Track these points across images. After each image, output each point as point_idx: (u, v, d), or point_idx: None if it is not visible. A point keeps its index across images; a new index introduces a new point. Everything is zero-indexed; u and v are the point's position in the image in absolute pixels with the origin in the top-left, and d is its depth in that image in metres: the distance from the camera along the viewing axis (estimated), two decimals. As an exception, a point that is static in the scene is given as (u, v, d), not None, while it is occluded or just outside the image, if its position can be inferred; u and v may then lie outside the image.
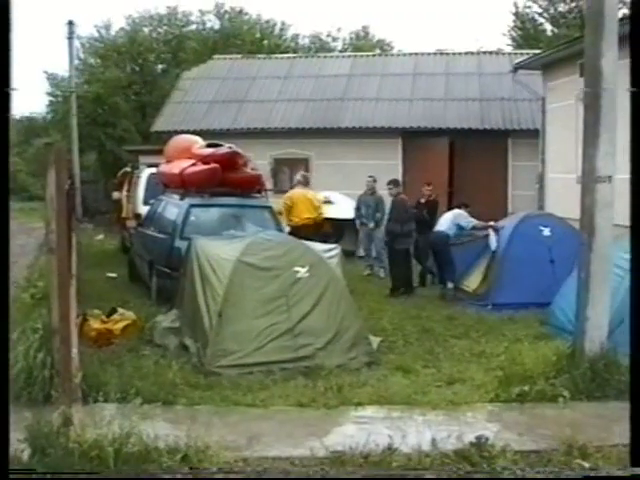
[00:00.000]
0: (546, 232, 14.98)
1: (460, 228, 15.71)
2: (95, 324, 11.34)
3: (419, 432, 7.80)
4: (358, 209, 19.69)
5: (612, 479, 7.00)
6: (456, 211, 16.22)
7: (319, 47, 53.64)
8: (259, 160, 23.49)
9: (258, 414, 8.45)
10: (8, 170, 6.52)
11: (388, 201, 17.81)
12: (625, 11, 43.97)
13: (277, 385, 9.41)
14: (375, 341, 11.32)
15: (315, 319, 10.38)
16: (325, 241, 13.73)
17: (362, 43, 55.88)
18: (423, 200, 18.43)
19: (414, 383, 9.51)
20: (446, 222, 15.97)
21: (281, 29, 53.33)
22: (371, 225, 19.13)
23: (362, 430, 7.88)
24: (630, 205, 6.26)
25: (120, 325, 11.51)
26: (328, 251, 11.59)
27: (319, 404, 8.71)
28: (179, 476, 6.79)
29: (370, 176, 19.92)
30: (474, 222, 15.78)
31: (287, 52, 44.68)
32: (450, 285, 15.66)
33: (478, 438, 7.37)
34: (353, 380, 9.53)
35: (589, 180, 9.38)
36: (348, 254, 18.25)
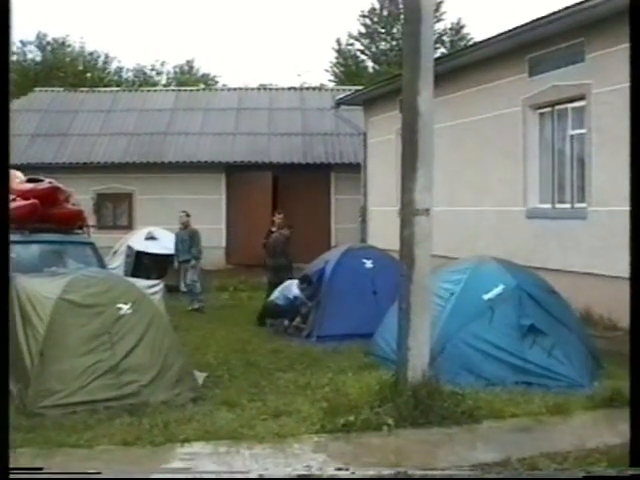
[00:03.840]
0: (368, 264, 15.26)
1: (287, 298, 15.67)
2: None
3: (246, 466, 7.79)
4: (176, 245, 19.76)
5: (612, 479, 7.17)
6: (287, 282, 16.18)
7: (143, 81, 53.29)
8: (81, 195, 22.99)
9: (83, 455, 8.24)
10: (8, 170, 6.36)
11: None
12: (444, 51, 45.65)
13: (102, 424, 9.21)
14: (200, 376, 11.25)
15: (139, 356, 10.24)
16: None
17: (186, 77, 55.87)
18: (274, 229, 18.64)
19: (240, 417, 9.48)
20: (276, 291, 16.13)
21: (105, 62, 52.74)
22: (187, 259, 19.17)
23: (189, 467, 7.81)
24: (630, 205, 6.41)
25: None
26: (151, 287, 11.48)
27: (145, 442, 8.57)
28: (180, 476, 6.62)
29: (183, 211, 20.05)
30: (297, 293, 15.74)
31: (110, 85, 44.27)
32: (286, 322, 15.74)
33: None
34: (179, 416, 9.42)
35: (408, 213, 9.61)
36: (172, 289, 18.15)
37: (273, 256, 17.97)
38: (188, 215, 19.80)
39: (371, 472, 7.27)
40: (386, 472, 7.39)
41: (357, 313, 14.23)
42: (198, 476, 7.13)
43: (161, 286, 11.58)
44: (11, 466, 6.19)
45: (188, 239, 19.38)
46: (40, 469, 6.84)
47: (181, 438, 8.69)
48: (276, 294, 15.94)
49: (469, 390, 9.64)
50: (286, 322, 15.63)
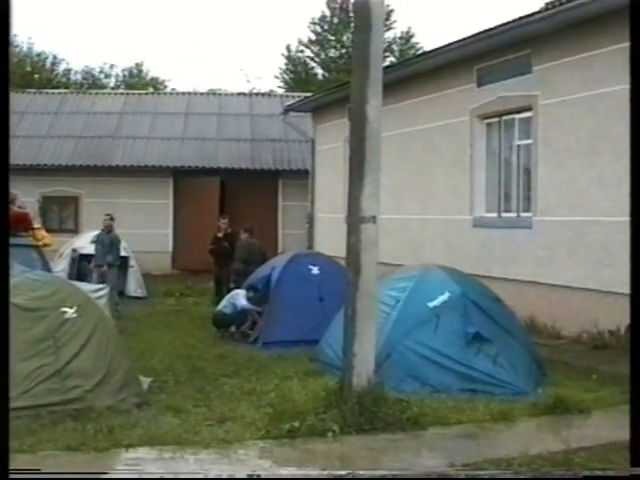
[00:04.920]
0: (315, 270, 15.28)
1: (235, 307, 15.62)
2: None
3: (191, 472, 7.76)
4: (96, 248, 19.30)
5: (612, 479, 7.19)
6: (234, 292, 16.13)
7: (91, 83, 52.85)
8: (27, 198, 22.81)
9: (26, 460, 8.13)
10: (8, 170, 6.35)
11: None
12: (393, 59, 45.88)
13: (45, 429, 9.10)
14: (146, 381, 11.18)
15: (84, 360, 10.14)
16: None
17: (135, 80, 55.50)
18: (221, 234, 18.57)
19: (185, 422, 9.43)
20: (224, 301, 16.08)
21: (53, 63, 52.22)
22: (102, 264, 18.90)
23: (133, 472, 7.77)
24: (630, 205, 6.44)
25: None
26: (97, 291, 11.40)
27: (89, 447, 8.49)
28: (181, 476, 6.61)
29: (107, 214, 19.63)
30: (244, 304, 15.69)
31: (59, 87, 43.79)
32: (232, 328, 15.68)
33: (250, 475, 7.41)
34: (124, 421, 9.35)
35: (355, 220, 9.64)
36: (117, 294, 18.05)
37: (245, 262, 17.64)
38: (112, 219, 19.47)
39: (371, 472, 7.27)
40: (383, 472, 7.39)
41: (303, 319, 14.23)
42: (198, 476, 7.08)
43: (106, 290, 11.54)
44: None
45: (109, 244, 19.07)
46: (39, 470, 6.78)
47: (126, 443, 8.63)
48: (224, 303, 15.88)
49: (414, 397, 9.68)
50: (233, 328, 15.59)
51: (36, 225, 17.32)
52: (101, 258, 18.98)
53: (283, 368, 12.37)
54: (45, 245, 16.31)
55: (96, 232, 20.25)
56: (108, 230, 19.27)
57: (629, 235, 6.25)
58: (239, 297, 15.68)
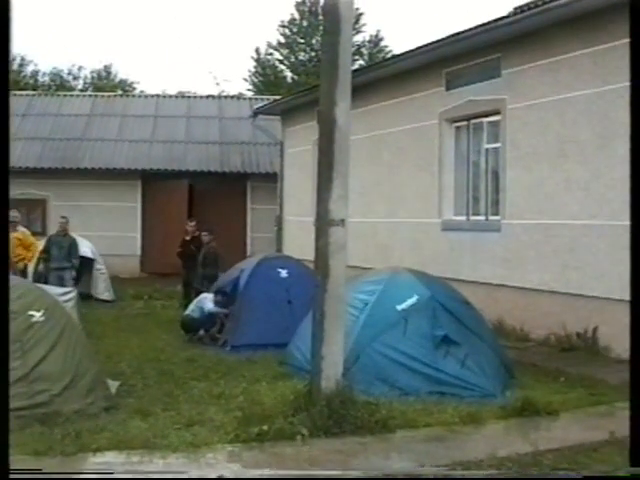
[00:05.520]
0: (284, 274, 15.26)
1: (203, 311, 15.54)
2: None
3: (160, 475, 7.72)
4: (47, 250, 18.91)
5: (612, 479, 7.19)
6: (202, 296, 16.07)
7: (59, 85, 52.50)
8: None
9: (-10, 465, 8.09)
10: (8, 170, 6.20)
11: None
12: (362, 62, 46.00)
13: (12, 434, 9.01)
14: (114, 385, 11.12)
15: (51, 364, 10.07)
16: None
17: (104, 82, 55.23)
18: (188, 237, 18.55)
19: (153, 426, 9.38)
20: (192, 305, 16.00)
21: (20, 64, 51.85)
22: (65, 267, 18.66)
23: (101, 476, 7.72)
24: (630, 205, 6.43)
25: None
26: (64, 294, 11.32)
27: (56, 452, 8.42)
28: (181, 476, 6.57)
29: (63, 217, 19.46)
30: (211, 308, 15.65)
31: (26, 89, 43.49)
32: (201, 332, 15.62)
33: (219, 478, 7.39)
34: (91, 426, 9.29)
35: (323, 223, 9.63)
36: (84, 297, 17.94)
37: (203, 266, 17.71)
38: (67, 222, 19.26)
39: (371, 472, 7.26)
40: (386, 472, 7.38)
41: (272, 323, 14.22)
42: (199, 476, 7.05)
43: (74, 294, 11.45)
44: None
45: (67, 246, 18.83)
46: (40, 470, 6.72)
47: (93, 448, 8.57)
48: (192, 307, 15.82)
49: (383, 400, 9.68)
50: (202, 332, 15.53)
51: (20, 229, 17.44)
52: (61, 261, 18.74)
53: (252, 371, 12.34)
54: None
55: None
56: (64, 233, 19.07)
57: (629, 237, 6.27)
58: (206, 301, 15.63)
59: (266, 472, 7.88)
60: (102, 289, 21.77)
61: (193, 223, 19.25)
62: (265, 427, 8.92)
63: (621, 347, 13.05)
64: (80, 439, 8.79)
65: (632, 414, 6.41)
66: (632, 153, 6.19)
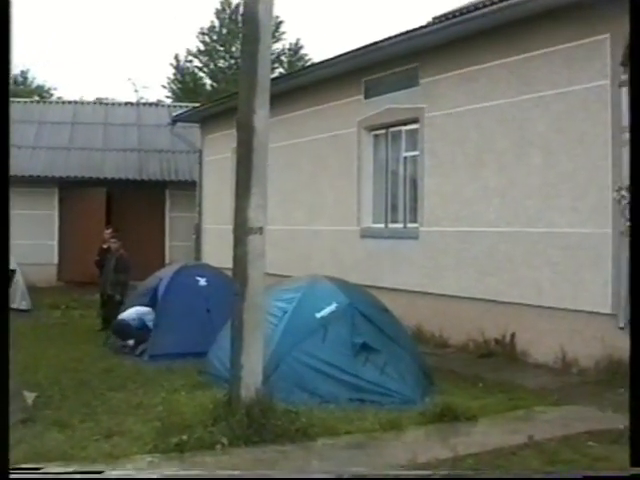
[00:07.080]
0: (202, 282, 15.16)
1: (144, 323, 15.23)
2: None
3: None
4: None
5: (612, 479, 7.16)
6: (145, 309, 15.67)
7: (-27, 91, 51.44)
8: None
9: None
10: (8, 170, 6.11)
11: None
12: (282, 70, 46.00)
13: None
14: (30, 397, 10.91)
15: (-36, 376, 9.89)
16: None
17: (20, 88, 54.36)
18: (106, 246, 18.32)
19: (71, 438, 9.25)
20: (131, 313, 15.63)
21: None
22: None
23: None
24: (630, 205, 6.40)
25: None
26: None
27: (-31, 466, 8.26)
28: (182, 476, 6.47)
29: None
30: (151, 325, 15.13)
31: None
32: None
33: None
34: (7, 438, 9.12)
35: (241, 231, 9.59)
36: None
37: (115, 272, 17.58)
38: None
39: (371, 473, 7.21)
40: (383, 472, 7.33)
41: (191, 331, 14.09)
42: (199, 476, 6.92)
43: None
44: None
45: None
46: (39, 469, 6.56)
47: (10, 461, 8.41)
48: (132, 314, 15.42)
49: (303, 408, 9.66)
50: (131, 342, 15.21)
51: None
52: None
53: (170, 381, 12.23)
54: None
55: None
56: None
57: (629, 240, 6.31)
58: (149, 315, 15.30)
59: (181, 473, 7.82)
60: (18, 298, 21.37)
61: (109, 231, 19.05)
62: (184, 437, 8.84)
63: (538, 352, 13.28)
64: (-5, 452, 8.61)
65: (632, 414, 6.37)
66: (632, 153, 6.26)
